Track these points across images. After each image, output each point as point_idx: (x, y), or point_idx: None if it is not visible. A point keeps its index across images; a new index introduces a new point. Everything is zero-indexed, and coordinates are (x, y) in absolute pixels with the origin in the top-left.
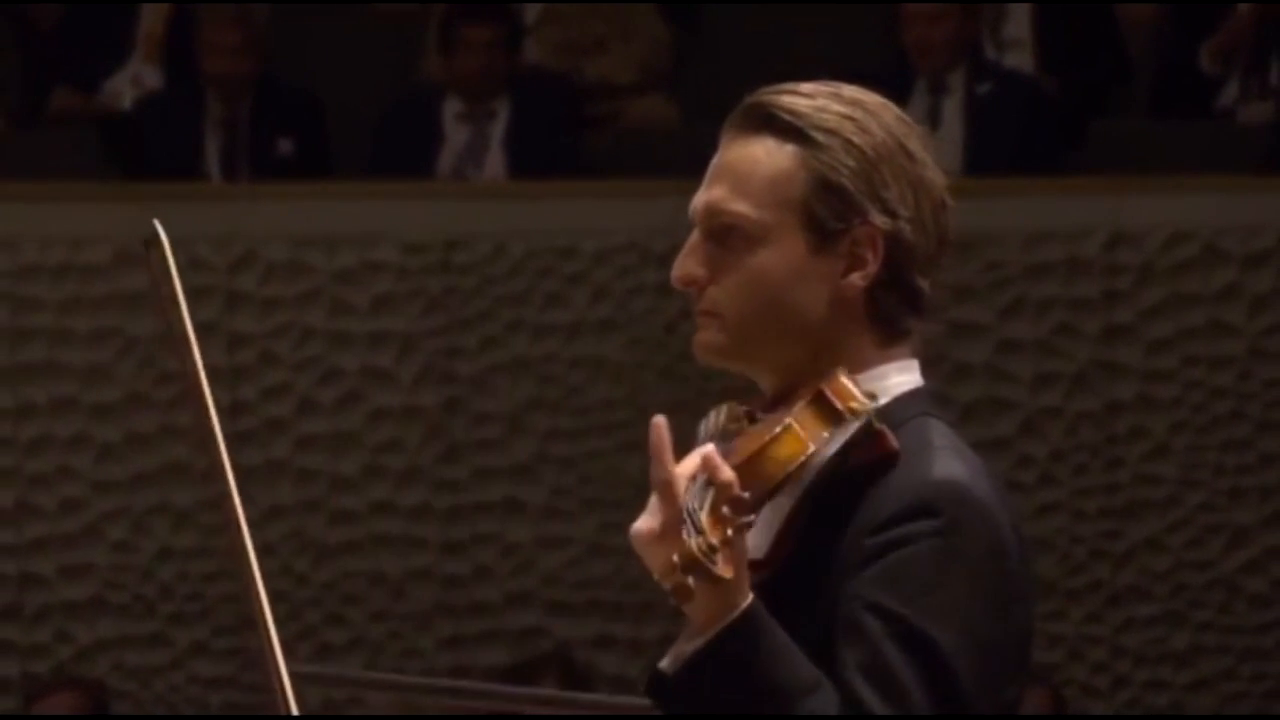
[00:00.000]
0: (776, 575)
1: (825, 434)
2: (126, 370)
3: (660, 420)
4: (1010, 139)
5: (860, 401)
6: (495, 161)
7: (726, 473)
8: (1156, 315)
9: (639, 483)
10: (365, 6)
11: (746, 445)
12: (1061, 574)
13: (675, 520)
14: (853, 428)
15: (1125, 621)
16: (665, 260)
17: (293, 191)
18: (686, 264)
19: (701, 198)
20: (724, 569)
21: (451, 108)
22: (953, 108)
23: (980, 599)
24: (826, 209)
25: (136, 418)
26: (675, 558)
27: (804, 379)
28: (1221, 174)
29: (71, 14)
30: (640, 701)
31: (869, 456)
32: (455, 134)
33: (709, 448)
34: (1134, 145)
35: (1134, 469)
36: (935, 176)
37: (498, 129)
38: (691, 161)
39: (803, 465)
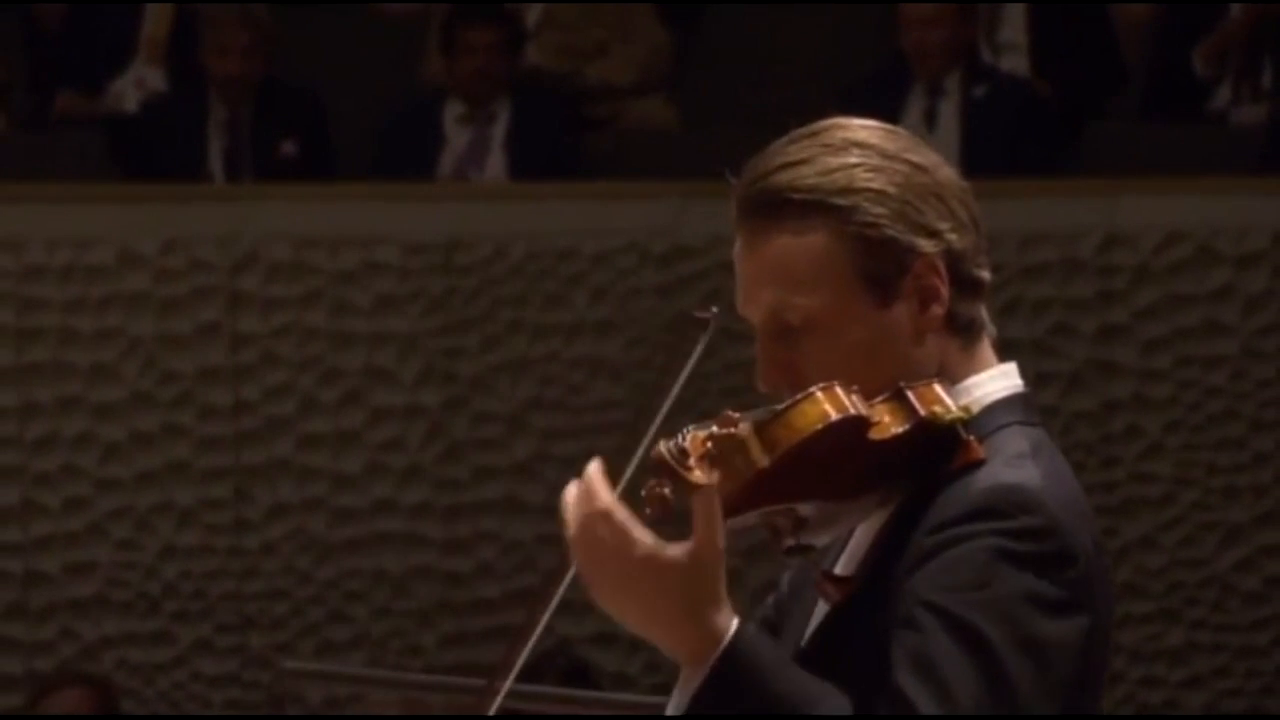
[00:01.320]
0: (859, 590)
1: (895, 427)
2: (130, 370)
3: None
4: (1006, 141)
5: (945, 407)
6: (496, 163)
7: (732, 414)
8: (1151, 315)
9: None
10: (368, 9)
11: (780, 409)
12: None
13: (620, 538)
14: (931, 431)
15: (1120, 618)
16: (665, 261)
17: (295, 193)
18: (771, 375)
19: (754, 305)
20: (698, 474)
21: (453, 110)
22: (949, 110)
23: (1033, 600)
24: (879, 264)
25: (140, 417)
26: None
27: None
28: (1215, 176)
29: (76, 16)
30: (641, 698)
31: (955, 466)
32: (456, 136)
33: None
34: (1128, 147)
35: (1129, 467)
36: (947, 172)
37: (499, 131)
38: (691, 163)
39: (862, 449)
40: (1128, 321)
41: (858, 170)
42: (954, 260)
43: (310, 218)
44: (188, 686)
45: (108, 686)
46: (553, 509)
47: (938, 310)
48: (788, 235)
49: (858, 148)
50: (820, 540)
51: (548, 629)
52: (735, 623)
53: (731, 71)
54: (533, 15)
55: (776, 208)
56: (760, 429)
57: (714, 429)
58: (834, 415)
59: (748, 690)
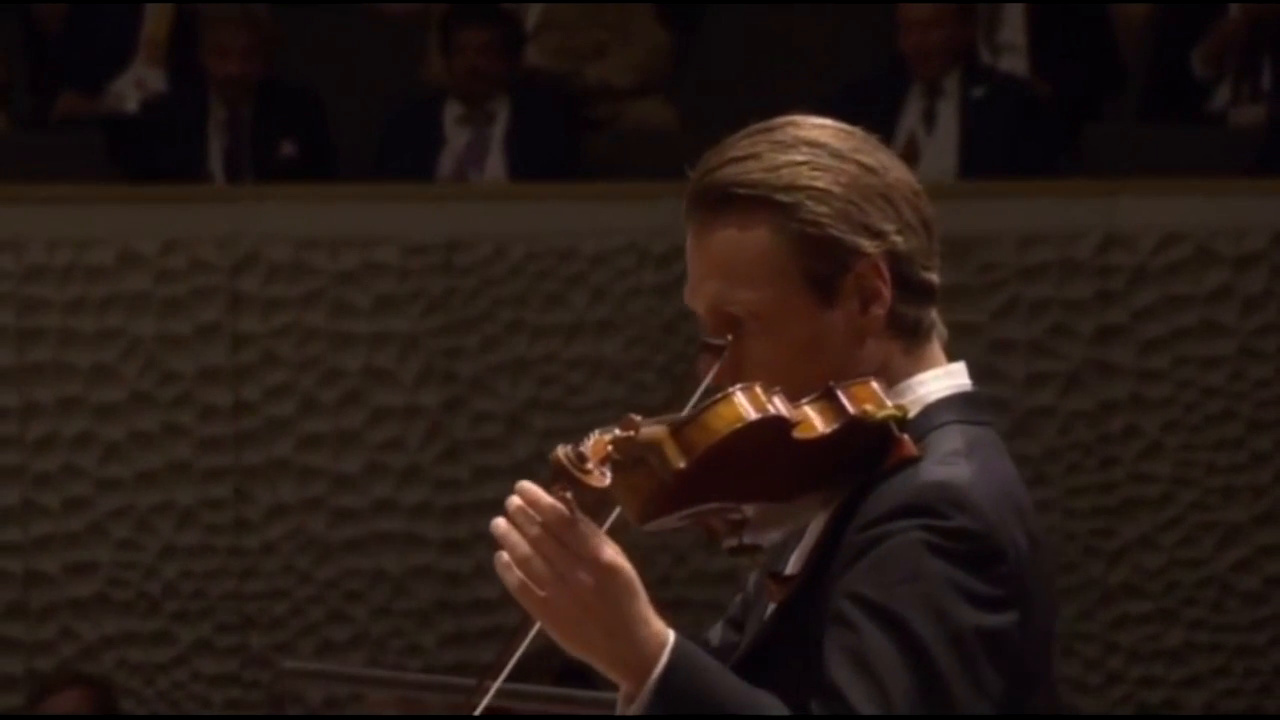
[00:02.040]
0: (800, 589)
1: (821, 426)
2: (131, 370)
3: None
4: (1005, 142)
5: (878, 405)
6: (496, 164)
7: (634, 418)
8: (1149, 316)
9: None
10: (367, 9)
11: (698, 410)
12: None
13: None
14: (862, 429)
15: (1118, 619)
16: (664, 261)
17: (295, 193)
18: (712, 360)
19: (697, 297)
20: (597, 479)
21: (452, 110)
22: (948, 111)
23: (962, 594)
24: (821, 263)
25: (140, 417)
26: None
27: None
28: (1214, 176)
29: (76, 17)
30: None
31: (889, 464)
32: (456, 136)
33: (634, 416)
34: (1127, 148)
35: (1127, 468)
36: (899, 173)
37: (498, 131)
38: (690, 164)
39: (787, 448)
40: (1126, 322)
41: (803, 168)
42: (898, 262)
43: (310, 218)
44: (188, 686)
45: (107, 687)
46: None
47: (879, 311)
48: (732, 229)
49: (807, 145)
50: (764, 540)
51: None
52: (671, 638)
53: (730, 72)
54: (532, 16)
55: (722, 202)
56: (677, 431)
57: (616, 432)
58: (752, 416)
59: (693, 703)
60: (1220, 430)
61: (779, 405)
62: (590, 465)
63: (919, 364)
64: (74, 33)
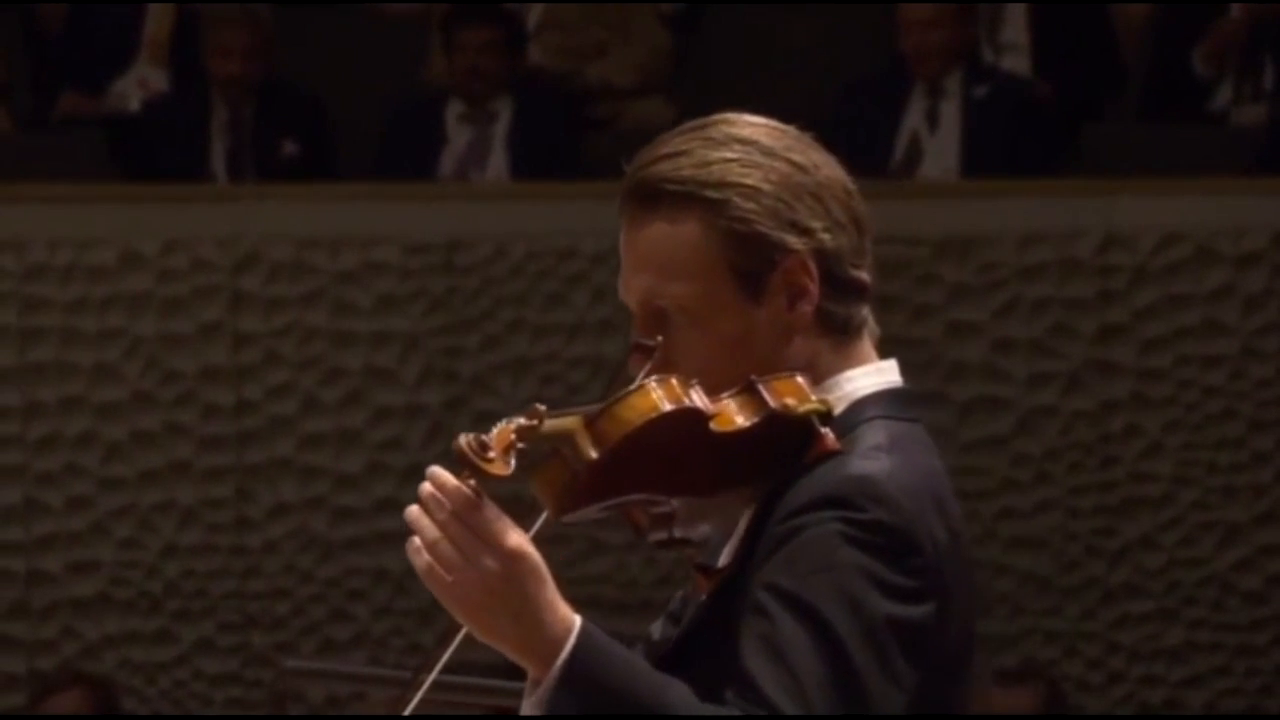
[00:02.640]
0: (726, 582)
1: (741, 419)
2: (133, 370)
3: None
4: (1006, 141)
5: (801, 399)
6: (497, 163)
7: (538, 409)
8: (1150, 315)
9: None
10: (369, 9)
11: (611, 400)
12: (1056, 571)
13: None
14: (783, 423)
15: (1120, 618)
16: None
17: (297, 193)
18: (641, 362)
19: (629, 291)
20: (499, 468)
21: (454, 109)
22: (950, 110)
23: (875, 585)
24: (749, 259)
25: (142, 417)
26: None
27: None
28: (1214, 176)
29: (77, 17)
30: None
31: (810, 458)
32: (457, 136)
33: (538, 406)
34: (1127, 147)
35: (1128, 467)
36: (830, 171)
37: (499, 131)
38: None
39: (705, 440)
40: (1127, 321)
41: (733, 165)
42: (826, 260)
43: (311, 218)
44: (190, 685)
45: (108, 686)
46: None
47: (806, 308)
48: (662, 224)
49: (739, 143)
50: (693, 533)
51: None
52: (577, 623)
53: (731, 72)
54: (533, 16)
55: (653, 197)
56: (591, 422)
57: (520, 421)
58: (666, 407)
59: (599, 687)
60: (1221, 430)
61: (695, 397)
62: (492, 453)
63: (848, 361)
64: (75, 32)
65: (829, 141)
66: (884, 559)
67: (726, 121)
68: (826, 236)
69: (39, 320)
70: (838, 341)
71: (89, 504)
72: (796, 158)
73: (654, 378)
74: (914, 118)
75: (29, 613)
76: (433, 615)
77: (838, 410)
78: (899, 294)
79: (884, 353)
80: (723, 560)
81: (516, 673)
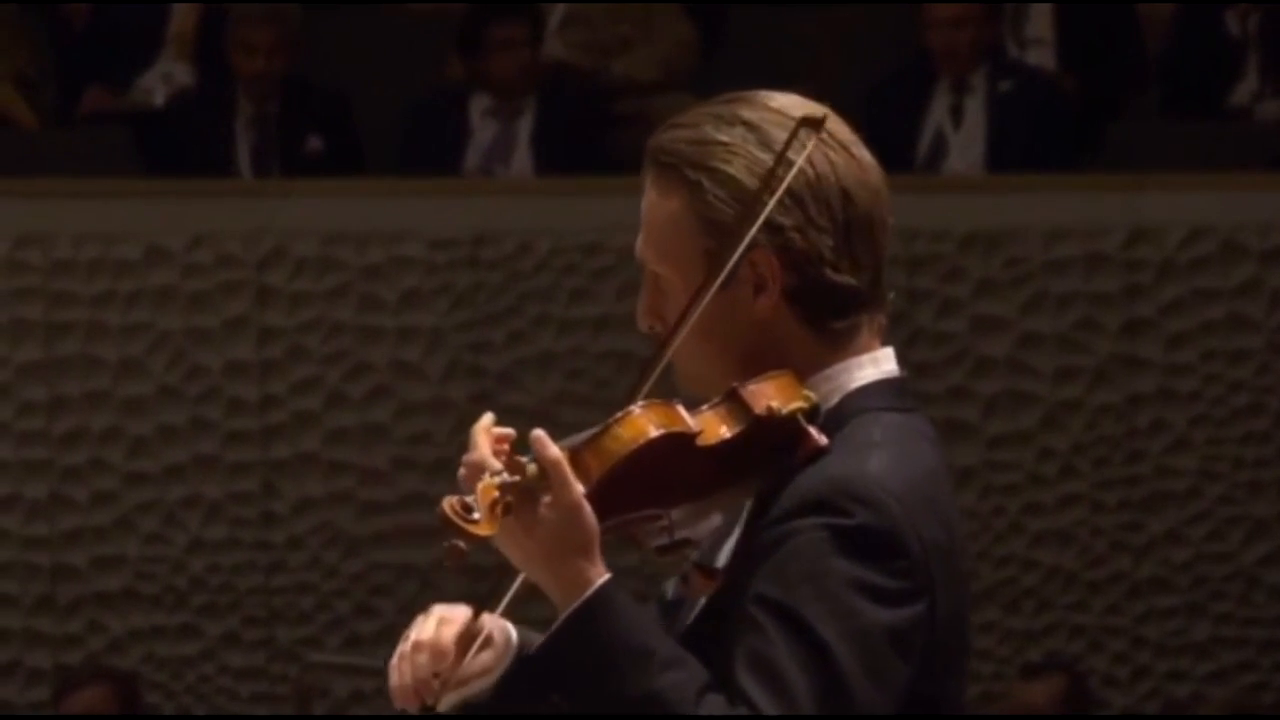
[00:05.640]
0: (726, 584)
1: (725, 430)
2: (158, 365)
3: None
4: (1031, 136)
5: (785, 402)
6: (522, 158)
7: (549, 450)
8: (1176, 310)
9: None
10: (394, 4)
11: (599, 431)
12: (1082, 566)
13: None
14: (769, 427)
15: (1145, 613)
16: None
17: (322, 188)
18: (644, 316)
19: (638, 246)
20: (481, 527)
21: (478, 105)
22: (975, 106)
23: (863, 590)
24: (717, 244)
25: (168, 411)
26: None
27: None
28: (1240, 171)
29: (102, 12)
30: None
31: (799, 457)
32: (482, 131)
33: (538, 431)
34: (1153, 142)
35: (1154, 462)
36: (828, 169)
37: (524, 127)
38: None
39: (693, 454)
40: (1153, 316)
41: (718, 149)
42: (794, 256)
43: (337, 213)
44: (215, 680)
45: (131, 682)
46: None
47: (765, 301)
48: (655, 194)
49: (743, 125)
50: (695, 532)
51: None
52: (603, 579)
53: (756, 67)
54: (557, 11)
55: (652, 164)
56: (575, 456)
57: (504, 477)
58: (651, 433)
59: (605, 636)
60: (1247, 424)
61: (680, 418)
62: (477, 514)
63: (840, 352)
64: (101, 28)
65: None
66: (870, 563)
67: (748, 102)
68: (795, 236)
69: (65, 315)
70: (820, 336)
71: (114, 499)
72: (792, 154)
73: (638, 404)
74: (938, 113)
75: (55, 608)
76: None
77: (831, 402)
78: (925, 288)
79: (909, 347)
80: (723, 559)
81: None
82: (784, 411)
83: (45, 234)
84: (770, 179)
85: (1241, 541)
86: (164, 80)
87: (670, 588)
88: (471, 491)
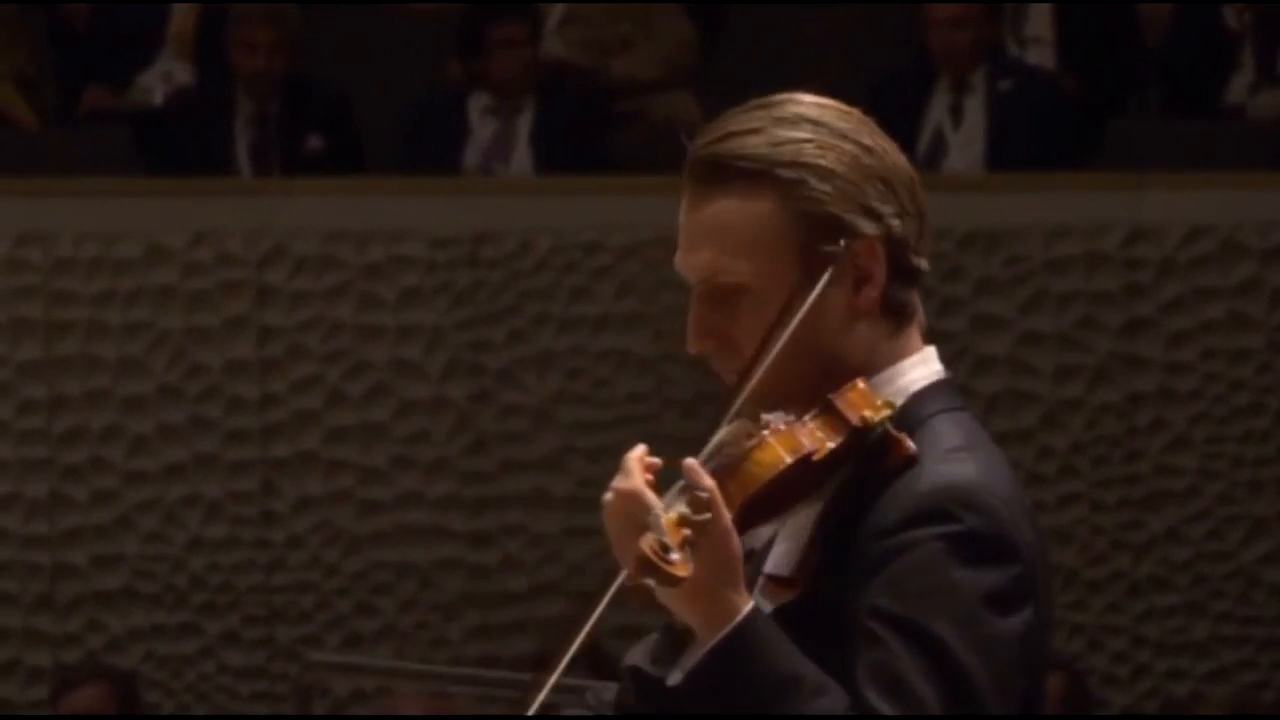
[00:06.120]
0: (808, 593)
1: (830, 443)
2: (158, 363)
3: (640, 449)
4: (1031, 135)
5: (874, 410)
6: (522, 157)
7: (706, 480)
8: (1176, 309)
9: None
10: (394, 4)
11: (734, 455)
12: (1082, 564)
13: (639, 528)
14: (864, 436)
15: (1145, 611)
16: None
17: (322, 187)
18: (701, 339)
19: (691, 264)
20: (680, 568)
21: (478, 103)
22: (975, 105)
23: (985, 600)
24: (819, 240)
25: (168, 410)
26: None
27: (816, 391)
28: (1240, 170)
29: (103, 12)
30: None
31: (888, 464)
32: (481, 129)
33: (691, 460)
34: (1153, 141)
35: (1154, 461)
36: (897, 158)
37: (524, 125)
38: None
39: (805, 473)
40: (1153, 315)
41: (807, 145)
42: (893, 245)
43: (337, 212)
44: (214, 679)
45: (130, 681)
46: (580, 501)
47: (871, 294)
48: (733, 200)
49: (809, 123)
50: (755, 542)
51: (572, 621)
52: (749, 606)
53: (756, 66)
54: (557, 10)
55: (724, 173)
56: (720, 484)
57: (682, 509)
58: (787, 461)
59: (751, 665)
60: (1247, 423)
61: (799, 439)
62: (674, 555)
63: (901, 350)
64: (101, 27)
65: None
66: (988, 570)
67: (793, 101)
68: (895, 222)
69: (65, 314)
70: (894, 329)
71: (114, 498)
72: (865, 140)
73: (769, 430)
74: (938, 112)
75: (54, 606)
76: (457, 609)
77: (896, 405)
78: (925, 287)
79: None
80: (774, 565)
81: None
82: (877, 420)
83: (45, 233)
84: (863, 168)
85: (1241, 540)
86: (164, 79)
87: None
88: (630, 522)
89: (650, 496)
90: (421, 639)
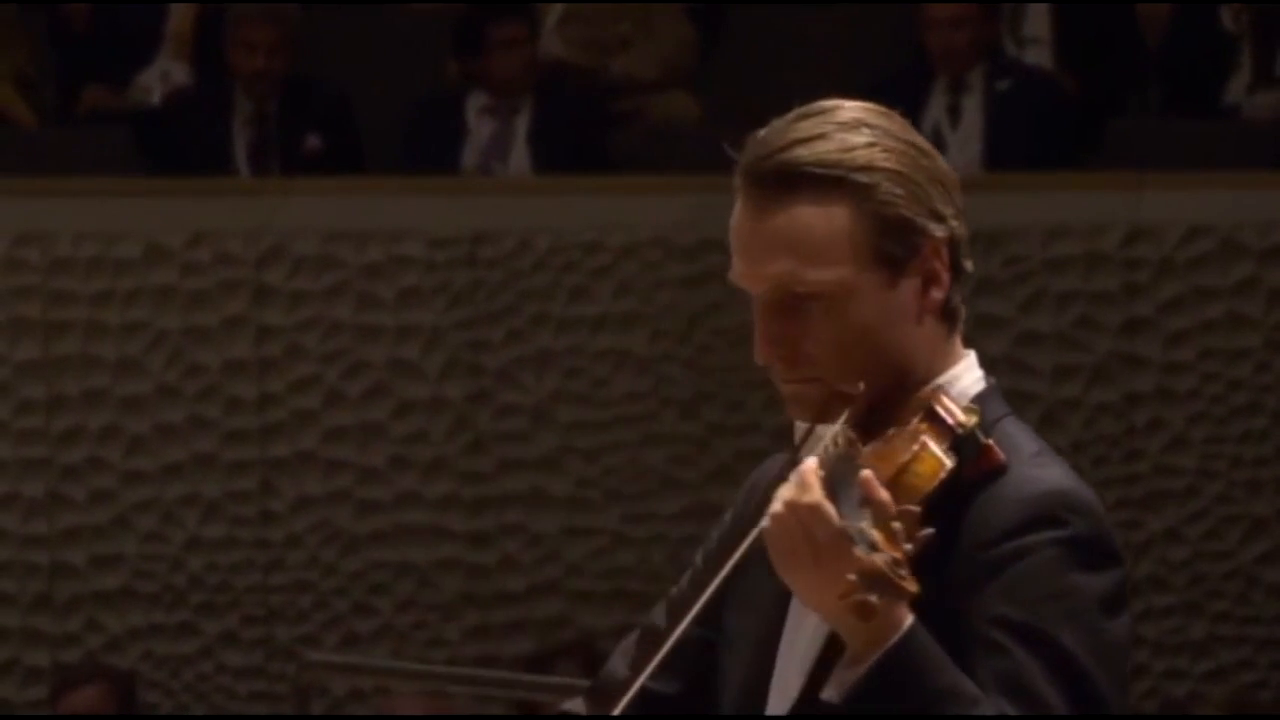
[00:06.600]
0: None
1: (942, 447)
2: (157, 363)
3: (812, 463)
4: (1029, 135)
5: (965, 415)
6: (520, 157)
7: (884, 494)
8: (1175, 309)
9: (663, 474)
10: (394, 4)
11: (882, 467)
12: None
13: (836, 543)
14: (959, 442)
15: (1143, 611)
16: (689, 254)
17: (321, 187)
18: (769, 349)
19: (763, 274)
20: (910, 582)
21: (476, 103)
22: (973, 105)
23: (1101, 604)
24: (895, 243)
25: (166, 410)
26: (853, 576)
27: (889, 396)
28: (1239, 169)
29: (102, 12)
30: None
31: (979, 471)
32: (480, 129)
33: (867, 471)
34: (1152, 141)
35: (1153, 460)
36: (942, 160)
37: (522, 125)
38: (714, 157)
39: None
40: (1152, 315)
41: (875, 150)
42: (955, 247)
43: (336, 211)
44: (213, 679)
45: (128, 681)
46: (578, 501)
47: (938, 295)
48: (807, 207)
49: (868, 127)
50: None
51: (570, 621)
52: (911, 619)
53: (755, 66)
54: (556, 9)
55: (797, 180)
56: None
57: (895, 524)
58: (943, 472)
59: (917, 678)
60: (1246, 423)
61: (933, 446)
62: (904, 570)
63: (954, 354)
64: (100, 27)
65: None
66: (1101, 574)
67: (841, 107)
68: (956, 224)
69: (63, 314)
70: (949, 332)
71: (112, 497)
72: (918, 142)
73: (924, 438)
74: (936, 111)
75: (52, 606)
76: (456, 609)
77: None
78: None
79: None
80: None
81: (541, 668)
82: (970, 425)
83: (44, 232)
84: (923, 169)
85: (1240, 540)
86: (162, 79)
87: (699, 558)
88: (807, 537)
89: (831, 509)
90: (419, 639)
